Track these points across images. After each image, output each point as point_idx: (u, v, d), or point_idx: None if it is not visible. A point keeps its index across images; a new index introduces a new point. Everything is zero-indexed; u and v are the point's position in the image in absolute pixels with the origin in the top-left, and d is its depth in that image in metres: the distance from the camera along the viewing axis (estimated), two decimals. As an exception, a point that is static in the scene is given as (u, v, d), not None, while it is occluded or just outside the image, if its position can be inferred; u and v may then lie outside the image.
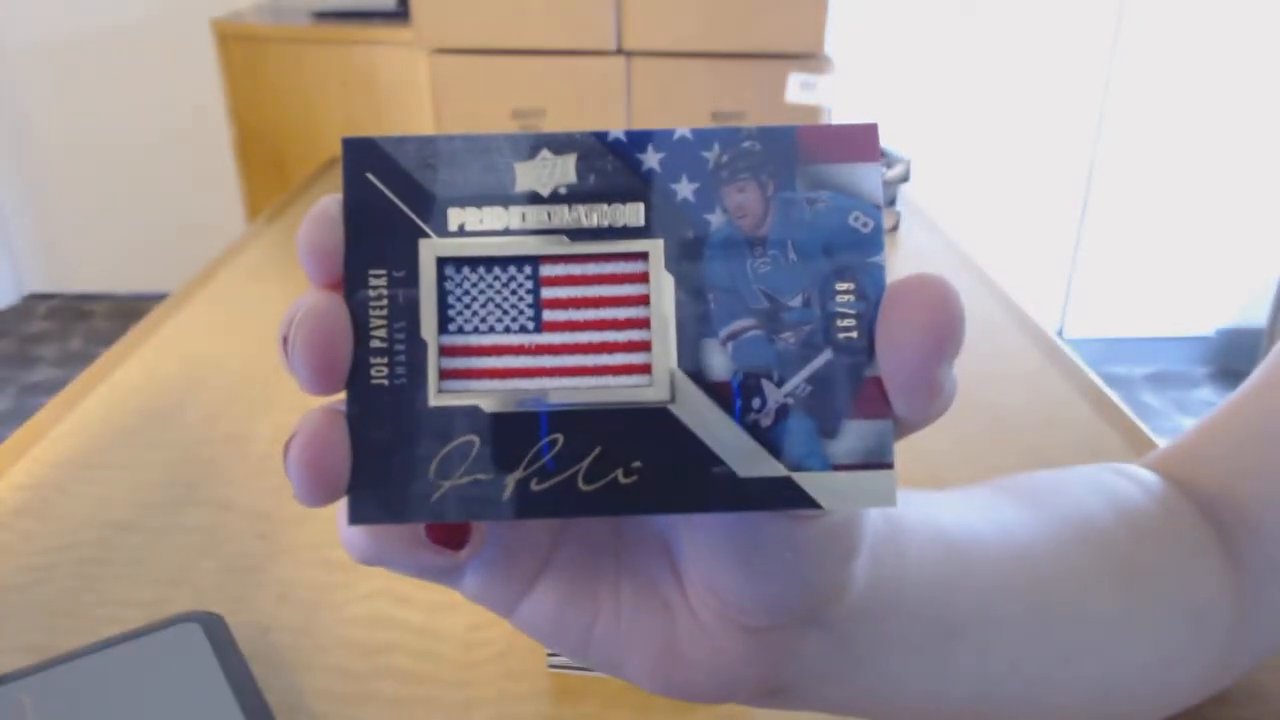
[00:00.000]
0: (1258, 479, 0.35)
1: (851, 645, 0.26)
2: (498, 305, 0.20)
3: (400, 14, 2.26)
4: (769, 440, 0.20)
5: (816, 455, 0.20)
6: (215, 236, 2.95)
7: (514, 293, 0.20)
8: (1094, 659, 0.31)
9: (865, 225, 0.20)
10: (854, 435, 0.20)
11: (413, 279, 0.20)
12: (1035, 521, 0.32)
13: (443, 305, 0.20)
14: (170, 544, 0.55)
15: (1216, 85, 2.55)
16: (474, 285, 0.20)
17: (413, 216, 0.20)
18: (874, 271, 0.20)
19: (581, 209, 0.20)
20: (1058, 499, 0.34)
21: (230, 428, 0.67)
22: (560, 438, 0.20)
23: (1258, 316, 2.74)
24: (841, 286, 0.20)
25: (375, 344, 0.20)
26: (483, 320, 0.20)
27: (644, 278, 0.20)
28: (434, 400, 0.20)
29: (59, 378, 2.73)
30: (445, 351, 0.20)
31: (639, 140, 0.20)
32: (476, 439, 0.20)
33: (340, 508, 0.20)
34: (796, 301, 0.20)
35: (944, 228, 1.08)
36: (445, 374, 0.20)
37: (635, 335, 0.20)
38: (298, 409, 0.69)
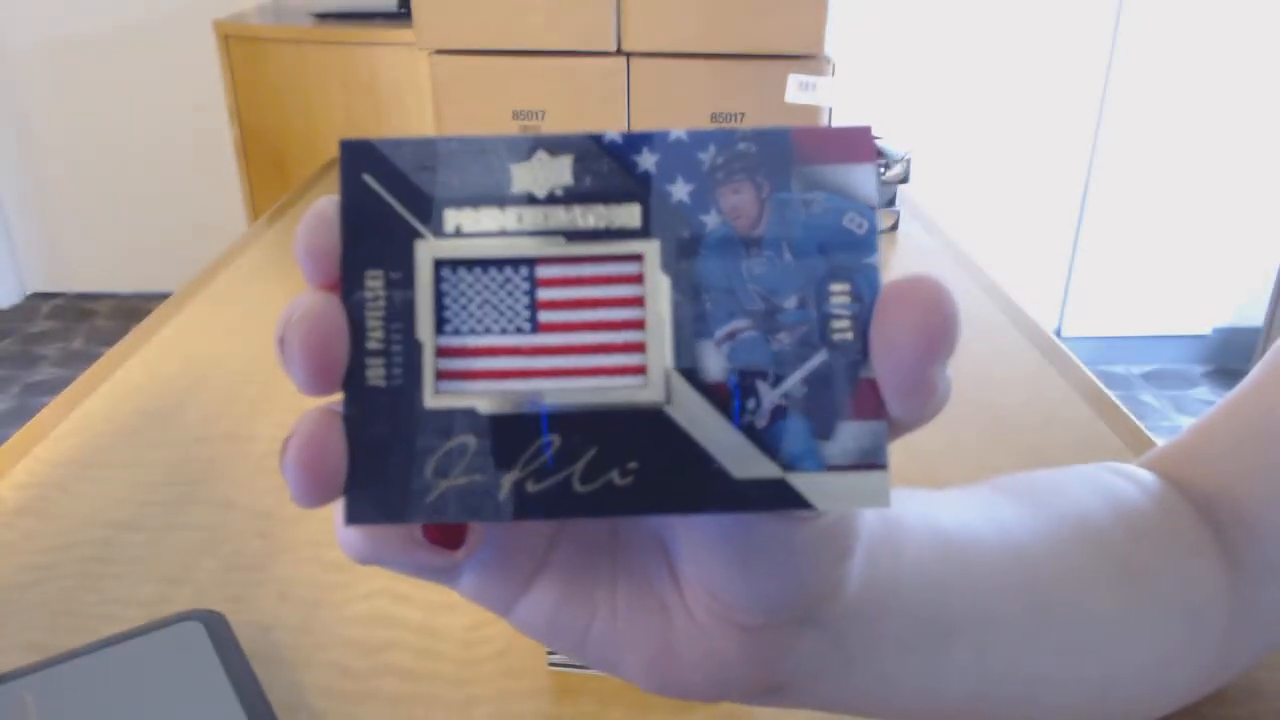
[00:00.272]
0: (1255, 478, 0.35)
1: (847, 644, 0.26)
2: (494, 306, 0.20)
3: (401, 15, 2.26)
4: (764, 441, 0.20)
5: (811, 456, 0.20)
6: (217, 236, 2.95)
7: (510, 294, 0.20)
8: (1091, 658, 0.31)
9: (860, 226, 0.20)
10: (849, 436, 0.20)
11: (409, 280, 0.20)
12: (1033, 521, 0.32)
13: (439, 306, 0.20)
14: (171, 543, 0.55)
15: (1215, 85, 2.54)
16: (470, 286, 0.20)
17: (409, 218, 0.20)
18: (868, 272, 0.20)
19: (578, 210, 0.20)
20: (1055, 498, 0.34)
21: (231, 427, 0.67)
22: (556, 439, 0.20)
23: (1255, 315, 2.74)
24: (836, 288, 0.20)
25: (372, 345, 0.20)
26: (479, 321, 0.20)
27: (640, 279, 0.20)
28: (430, 401, 0.20)
29: (61, 377, 2.73)
30: (442, 352, 0.20)
31: (635, 142, 0.20)
32: (473, 440, 0.20)
33: (337, 508, 0.20)
34: (791, 302, 0.20)
35: (943, 227, 1.08)
36: (441, 375, 0.20)
37: (631, 336, 0.20)
38: (298, 409, 0.69)
